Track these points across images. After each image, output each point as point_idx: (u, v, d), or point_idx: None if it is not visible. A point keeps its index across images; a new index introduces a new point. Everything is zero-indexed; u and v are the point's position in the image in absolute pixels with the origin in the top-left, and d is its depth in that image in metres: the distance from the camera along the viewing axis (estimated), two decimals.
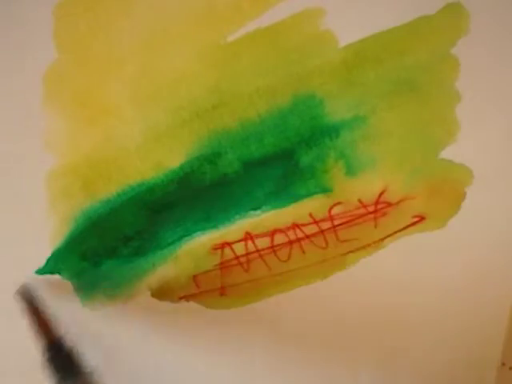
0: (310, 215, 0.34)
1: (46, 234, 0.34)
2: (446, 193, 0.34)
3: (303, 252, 0.34)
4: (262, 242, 0.34)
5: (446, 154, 0.33)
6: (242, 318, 0.35)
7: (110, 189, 0.33)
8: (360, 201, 0.34)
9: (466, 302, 0.35)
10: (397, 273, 0.35)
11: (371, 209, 0.34)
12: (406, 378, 0.37)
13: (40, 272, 0.34)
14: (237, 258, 0.34)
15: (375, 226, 0.34)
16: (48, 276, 0.34)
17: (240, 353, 0.36)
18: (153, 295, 0.35)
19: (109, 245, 0.34)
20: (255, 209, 0.34)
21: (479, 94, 0.33)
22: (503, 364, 0.36)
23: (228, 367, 0.36)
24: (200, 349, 0.36)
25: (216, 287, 0.35)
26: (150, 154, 0.33)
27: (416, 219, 0.34)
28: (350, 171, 0.33)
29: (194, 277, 0.34)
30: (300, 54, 0.32)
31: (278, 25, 0.32)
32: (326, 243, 0.34)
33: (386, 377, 0.37)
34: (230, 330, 0.35)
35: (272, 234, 0.34)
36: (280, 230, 0.34)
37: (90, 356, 0.35)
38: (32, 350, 0.34)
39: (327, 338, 0.36)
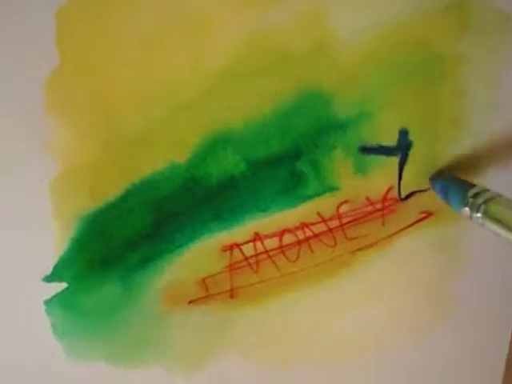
0: (318, 214, 0.34)
1: (51, 240, 0.33)
2: None
3: (312, 251, 0.34)
4: (271, 243, 0.34)
5: (447, 153, 0.34)
6: (249, 320, 0.35)
7: (114, 192, 0.33)
8: (367, 198, 0.34)
9: (469, 300, 0.36)
10: (397, 272, 0.35)
11: (379, 206, 0.34)
12: (407, 378, 0.37)
13: (47, 279, 0.33)
14: (246, 259, 0.34)
15: (383, 223, 0.34)
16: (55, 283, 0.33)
17: (247, 353, 0.36)
18: (162, 301, 0.34)
19: (116, 250, 0.33)
20: (263, 209, 0.34)
21: (479, 94, 0.33)
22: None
23: (231, 367, 0.36)
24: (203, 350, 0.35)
25: (226, 290, 0.34)
26: (155, 156, 0.33)
27: (424, 215, 0.34)
28: (358, 169, 0.33)
29: (203, 280, 0.34)
30: (302, 53, 0.33)
31: (277, 25, 0.33)
32: (335, 241, 0.34)
33: (386, 376, 0.37)
34: (238, 331, 0.35)
35: (281, 234, 0.34)
36: (289, 230, 0.34)
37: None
38: (33, 353, 0.33)
39: (329, 339, 0.36)
